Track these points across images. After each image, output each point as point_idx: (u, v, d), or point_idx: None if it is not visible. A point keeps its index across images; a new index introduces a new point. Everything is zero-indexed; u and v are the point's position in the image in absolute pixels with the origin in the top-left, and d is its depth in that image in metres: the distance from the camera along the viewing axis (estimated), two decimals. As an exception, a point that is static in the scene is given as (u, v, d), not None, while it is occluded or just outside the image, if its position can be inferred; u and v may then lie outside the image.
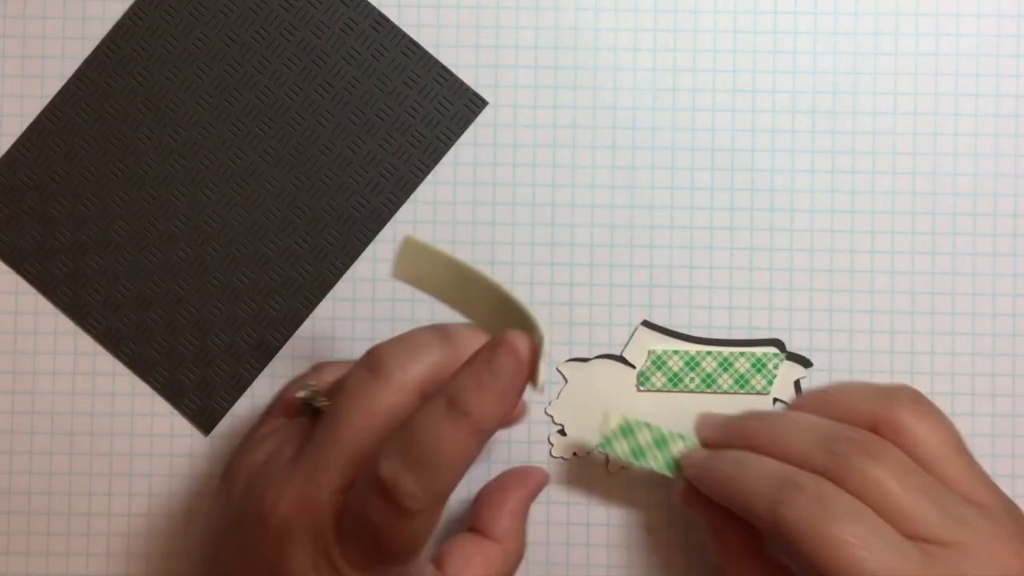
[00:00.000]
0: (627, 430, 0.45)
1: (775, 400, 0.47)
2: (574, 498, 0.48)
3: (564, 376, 0.48)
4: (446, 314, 0.49)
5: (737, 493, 0.40)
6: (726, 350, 0.47)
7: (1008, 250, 0.48)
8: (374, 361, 0.38)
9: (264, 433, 0.42)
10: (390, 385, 0.37)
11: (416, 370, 0.37)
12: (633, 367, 0.47)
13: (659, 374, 0.47)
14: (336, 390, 0.39)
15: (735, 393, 0.47)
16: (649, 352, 0.47)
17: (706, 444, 0.44)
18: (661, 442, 0.44)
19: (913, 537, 0.37)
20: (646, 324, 0.48)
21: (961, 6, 0.48)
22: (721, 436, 0.43)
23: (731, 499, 0.40)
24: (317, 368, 0.45)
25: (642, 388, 0.47)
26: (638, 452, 0.45)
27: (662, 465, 0.44)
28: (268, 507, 0.37)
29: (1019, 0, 0.48)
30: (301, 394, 0.40)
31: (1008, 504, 0.40)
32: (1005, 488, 0.47)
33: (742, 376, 0.47)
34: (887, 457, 0.39)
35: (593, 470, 0.48)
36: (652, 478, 0.47)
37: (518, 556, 0.43)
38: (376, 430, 0.36)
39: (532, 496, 0.45)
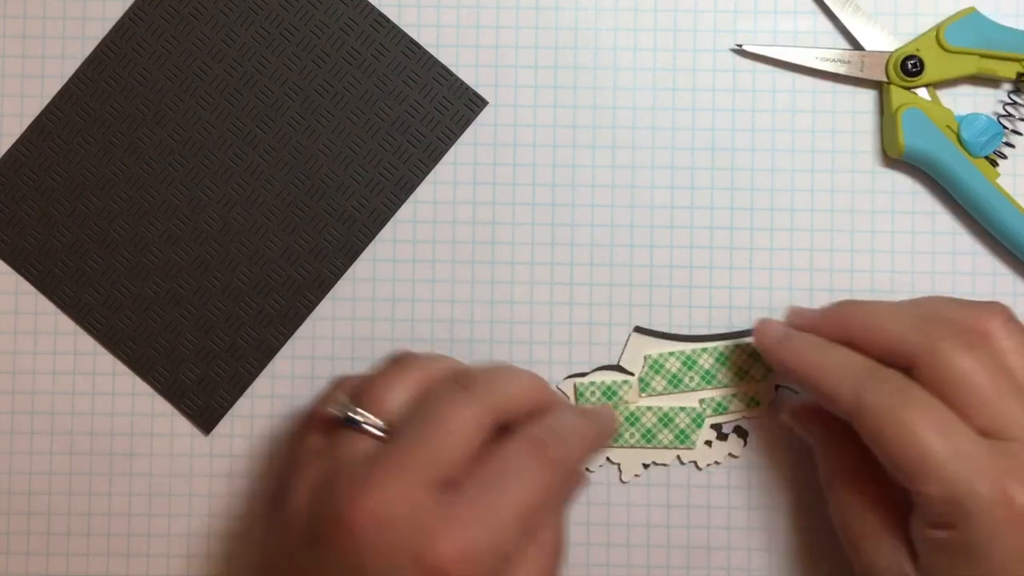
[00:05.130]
0: (656, 366, 0.47)
1: (777, 387, 0.47)
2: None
3: (564, 393, 0.47)
4: (445, 312, 0.49)
5: (823, 379, 0.41)
6: (722, 344, 0.47)
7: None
8: (463, 378, 0.40)
9: (306, 451, 0.41)
10: (476, 402, 0.39)
11: (499, 395, 0.40)
12: (632, 374, 0.47)
13: (658, 378, 0.47)
14: (360, 397, 0.40)
15: (737, 386, 0.47)
16: (645, 357, 0.47)
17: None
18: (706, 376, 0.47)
19: (988, 432, 0.38)
20: (638, 330, 0.48)
21: None
22: (814, 323, 0.44)
23: (814, 383, 0.41)
24: (338, 385, 0.43)
25: (643, 394, 0.47)
26: (674, 381, 0.47)
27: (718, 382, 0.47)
28: (348, 508, 0.36)
29: None
30: (335, 410, 0.40)
31: None
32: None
33: (741, 368, 0.47)
34: (981, 349, 0.39)
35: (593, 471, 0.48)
36: (653, 478, 0.47)
37: (559, 553, 0.41)
38: (460, 438, 0.38)
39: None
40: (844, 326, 0.42)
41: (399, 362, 0.42)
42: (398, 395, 0.40)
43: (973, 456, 0.37)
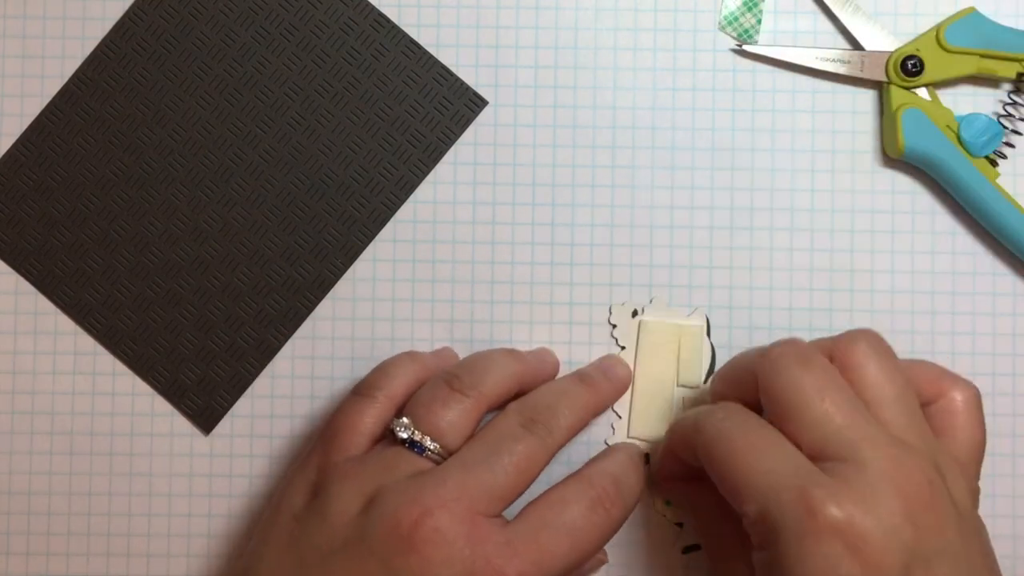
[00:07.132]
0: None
1: None
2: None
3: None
4: (445, 312, 0.49)
5: (678, 427, 0.43)
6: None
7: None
8: (524, 416, 0.42)
9: (345, 460, 0.42)
10: (537, 443, 0.42)
11: (560, 435, 0.43)
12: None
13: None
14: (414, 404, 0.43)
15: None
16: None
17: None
18: None
19: (816, 453, 0.38)
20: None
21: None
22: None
23: (675, 437, 0.44)
24: (373, 387, 0.44)
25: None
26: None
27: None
28: (414, 522, 0.38)
29: None
30: (404, 435, 0.41)
31: (934, 450, 0.39)
32: (1005, 488, 0.47)
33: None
34: (815, 365, 0.39)
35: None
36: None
37: None
38: (523, 477, 0.41)
39: None
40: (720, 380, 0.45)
41: (454, 382, 0.43)
42: (455, 419, 0.42)
43: (785, 473, 0.37)
